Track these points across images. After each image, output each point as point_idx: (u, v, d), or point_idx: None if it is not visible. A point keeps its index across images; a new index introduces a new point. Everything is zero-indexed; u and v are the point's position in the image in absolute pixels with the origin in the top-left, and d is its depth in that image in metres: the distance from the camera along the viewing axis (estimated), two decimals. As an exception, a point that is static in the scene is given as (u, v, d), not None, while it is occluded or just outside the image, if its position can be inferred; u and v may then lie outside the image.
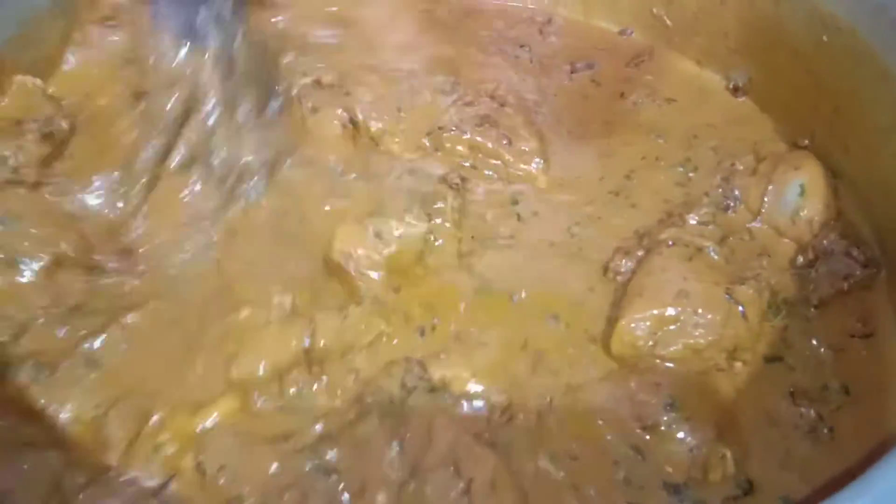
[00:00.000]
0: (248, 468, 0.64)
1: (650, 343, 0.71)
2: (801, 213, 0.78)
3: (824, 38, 0.82)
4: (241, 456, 0.64)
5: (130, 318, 0.72)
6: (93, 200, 0.80)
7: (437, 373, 0.70)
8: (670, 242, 0.77)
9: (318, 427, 0.67)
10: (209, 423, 0.66)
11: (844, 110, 0.82)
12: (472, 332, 0.73)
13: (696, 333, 0.70)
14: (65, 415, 0.66)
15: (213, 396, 0.68)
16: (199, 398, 0.68)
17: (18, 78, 0.84)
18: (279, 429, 0.67)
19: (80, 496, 0.62)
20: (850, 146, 0.81)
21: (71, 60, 0.89)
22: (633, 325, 0.71)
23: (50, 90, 0.87)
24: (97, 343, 0.70)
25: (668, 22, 1.00)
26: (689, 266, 0.74)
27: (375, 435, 0.66)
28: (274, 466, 0.64)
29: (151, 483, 0.63)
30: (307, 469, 0.64)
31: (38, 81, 0.85)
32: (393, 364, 0.71)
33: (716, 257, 0.76)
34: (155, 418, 0.66)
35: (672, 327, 0.70)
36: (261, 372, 0.69)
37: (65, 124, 0.82)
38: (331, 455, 0.65)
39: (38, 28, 0.87)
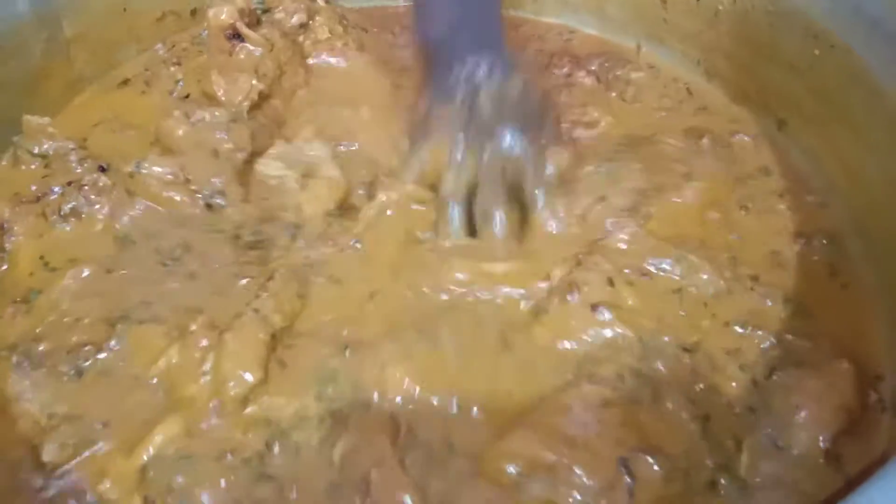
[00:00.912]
0: (198, 487, 0.63)
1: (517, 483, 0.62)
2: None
3: (816, 52, 0.80)
4: (190, 476, 0.63)
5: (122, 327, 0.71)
6: None
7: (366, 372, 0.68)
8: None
9: (258, 438, 0.66)
10: (151, 453, 0.65)
11: (840, 126, 0.80)
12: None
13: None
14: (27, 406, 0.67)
15: (152, 424, 0.66)
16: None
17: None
18: (223, 445, 0.65)
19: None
20: (845, 162, 0.80)
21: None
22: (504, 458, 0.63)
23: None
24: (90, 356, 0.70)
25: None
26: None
27: (312, 442, 0.65)
28: (223, 482, 0.63)
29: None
30: (253, 479, 0.63)
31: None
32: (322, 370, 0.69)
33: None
34: (91, 450, 0.65)
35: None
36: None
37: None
38: (274, 463, 0.64)
39: (19, 39, 0.85)
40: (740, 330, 0.72)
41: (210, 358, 0.68)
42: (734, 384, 0.68)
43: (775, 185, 0.85)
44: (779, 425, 0.65)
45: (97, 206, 0.80)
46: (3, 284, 0.76)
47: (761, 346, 0.71)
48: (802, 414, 0.65)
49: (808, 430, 0.64)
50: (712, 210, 0.81)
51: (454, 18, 0.79)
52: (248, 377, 0.67)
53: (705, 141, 0.87)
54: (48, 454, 0.64)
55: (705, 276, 0.74)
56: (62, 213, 0.79)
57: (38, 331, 0.72)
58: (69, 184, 0.81)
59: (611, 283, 0.73)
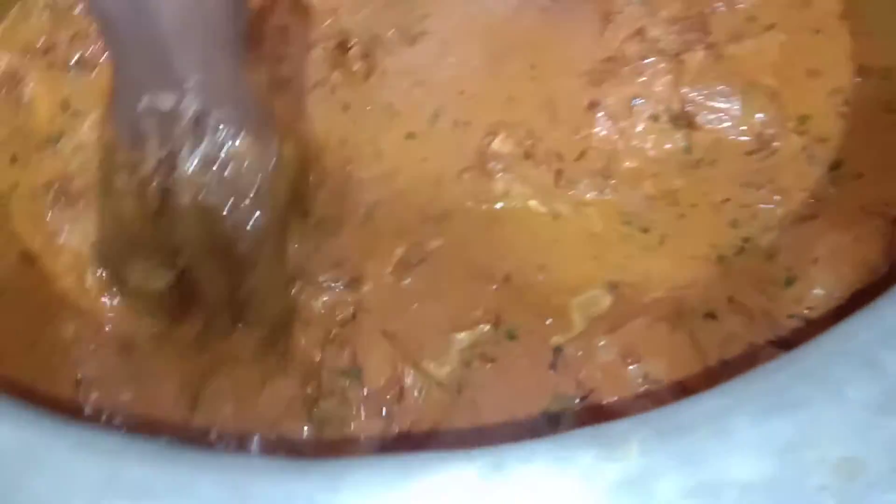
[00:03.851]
0: None
1: None
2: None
3: None
4: None
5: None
6: None
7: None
8: None
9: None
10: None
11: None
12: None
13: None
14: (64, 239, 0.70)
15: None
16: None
17: None
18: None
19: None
20: None
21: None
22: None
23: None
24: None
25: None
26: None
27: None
28: None
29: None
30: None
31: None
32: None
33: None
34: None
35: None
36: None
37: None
38: None
39: None
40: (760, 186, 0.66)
41: None
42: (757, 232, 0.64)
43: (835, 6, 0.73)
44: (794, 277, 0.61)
45: (104, 58, 0.78)
46: (24, 132, 0.77)
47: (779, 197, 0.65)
48: (821, 266, 0.60)
49: (824, 285, 0.59)
50: (776, 34, 0.72)
51: None
52: None
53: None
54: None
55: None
56: (71, 64, 0.79)
57: (69, 170, 0.74)
58: (75, 35, 0.80)
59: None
